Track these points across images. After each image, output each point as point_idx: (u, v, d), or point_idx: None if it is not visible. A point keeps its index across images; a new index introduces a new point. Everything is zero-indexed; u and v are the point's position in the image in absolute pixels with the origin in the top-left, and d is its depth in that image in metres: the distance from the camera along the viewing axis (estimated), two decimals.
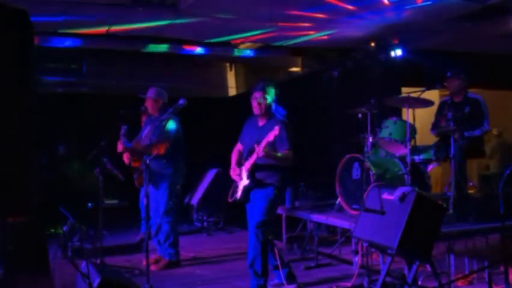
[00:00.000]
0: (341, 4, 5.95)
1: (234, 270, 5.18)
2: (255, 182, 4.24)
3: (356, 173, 5.18)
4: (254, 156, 4.14)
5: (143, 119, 6.03)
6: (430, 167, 5.40)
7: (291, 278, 4.46)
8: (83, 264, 3.74)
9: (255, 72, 10.04)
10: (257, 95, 4.28)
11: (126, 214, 7.56)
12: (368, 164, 4.94)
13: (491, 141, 8.59)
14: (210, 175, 8.05)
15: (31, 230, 4.51)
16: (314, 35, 7.29)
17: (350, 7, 6.03)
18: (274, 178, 4.25)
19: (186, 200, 8.03)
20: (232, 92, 10.52)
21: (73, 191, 7.11)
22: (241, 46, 8.30)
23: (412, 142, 5.08)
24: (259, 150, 3.95)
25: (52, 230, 6.32)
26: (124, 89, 8.86)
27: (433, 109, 5.48)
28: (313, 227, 5.58)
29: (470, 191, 5.64)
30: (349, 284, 4.44)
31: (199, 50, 8.19)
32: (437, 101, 5.61)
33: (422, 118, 5.53)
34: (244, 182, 4.29)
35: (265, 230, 4.16)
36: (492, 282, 3.93)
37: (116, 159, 5.60)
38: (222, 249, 6.36)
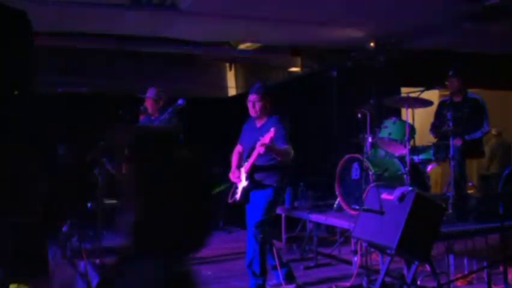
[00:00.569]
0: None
1: (233, 270, 5.18)
2: (253, 183, 4.25)
3: (355, 173, 5.18)
4: (253, 157, 4.15)
5: (141, 118, 6.02)
6: (429, 167, 5.40)
7: (290, 277, 4.46)
8: (82, 264, 3.74)
9: (255, 72, 10.03)
10: (252, 97, 4.29)
11: None
12: (367, 164, 4.94)
13: (490, 141, 8.59)
14: None
15: (31, 230, 4.52)
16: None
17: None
18: (273, 179, 4.25)
19: None
20: (231, 92, 10.52)
21: (72, 191, 7.10)
22: (241, 46, 8.31)
23: (411, 142, 5.07)
24: (259, 146, 3.95)
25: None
26: (124, 89, 8.86)
27: (432, 109, 5.48)
28: (313, 227, 5.58)
29: (470, 191, 5.64)
30: (348, 284, 4.45)
31: (199, 50, 8.19)
32: (436, 101, 5.61)
33: (421, 118, 5.53)
34: (243, 183, 4.29)
35: (264, 230, 4.17)
36: (491, 282, 3.93)
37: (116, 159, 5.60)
38: (222, 249, 6.35)
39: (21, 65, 2.07)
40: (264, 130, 4.11)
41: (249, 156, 4.24)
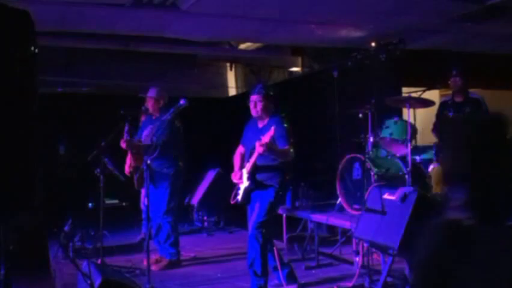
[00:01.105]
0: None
1: (235, 270, 5.17)
2: (255, 184, 4.24)
3: (356, 173, 5.18)
4: (254, 157, 4.15)
5: (142, 118, 6.02)
6: (431, 167, 5.40)
7: (291, 278, 4.46)
8: (84, 264, 3.73)
9: (255, 72, 10.04)
10: (254, 97, 4.29)
11: (127, 214, 7.54)
12: (368, 164, 4.94)
13: None
14: (210, 175, 8.04)
15: (31, 230, 4.52)
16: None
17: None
18: (275, 180, 4.25)
19: (186, 200, 8.02)
20: (232, 92, 10.52)
21: (73, 191, 7.10)
22: (241, 46, 8.31)
23: (413, 142, 5.08)
24: (259, 146, 3.94)
25: None
26: (124, 89, 8.86)
27: (434, 109, 5.48)
28: (314, 227, 5.57)
29: None
30: (350, 284, 4.44)
31: (199, 50, 8.18)
32: (437, 101, 5.61)
33: (422, 118, 5.54)
34: (245, 183, 4.29)
35: (265, 230, 4.16)
36: None
37: (116, 159, 5.60)
38: (223, 249, 6.34)
39: (23, 65, 2.06)
40: (265, 131, 4.10)
41: (250, 156, 4.25)
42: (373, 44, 7.30)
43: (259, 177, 4.25)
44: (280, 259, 4.42)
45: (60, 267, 5.15)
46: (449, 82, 5.43)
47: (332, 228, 6.27)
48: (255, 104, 4.28)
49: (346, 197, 5.23)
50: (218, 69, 10.26)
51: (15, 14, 1.91)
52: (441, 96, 7.45)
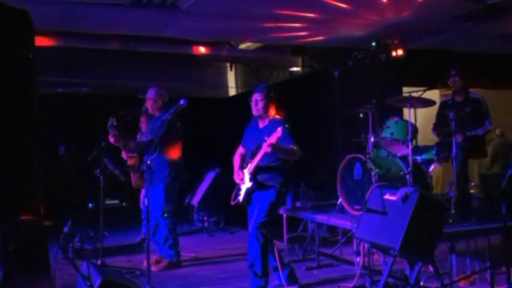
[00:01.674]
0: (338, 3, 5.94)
1: (235, 271, 5.16)
2: (257, 184, 4.23)
3: (357, 173, 5.16)
4: (258, 158, 4.14)
5: (142, 119, 6.02)
6: (432, 167, 5.39)
7: (292, 278, 4.45)
8: (83, 265, 3.72)
9: (255, 72, 10.03)
10: (255, 96, 4.29)
11: (127, 214, 7.54)
12: (369, 164, 4.93)
13: (494, 141, 8.58)
14: (210, 175, 8.04)
15: (31, 230, 4.51)
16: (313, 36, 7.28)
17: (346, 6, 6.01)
18: (277, 180, 4.24)
19: (187, 201, 8.02)
20: (232, 92, 10.51)
21: (73, 191, 7.09)
22: (242, 46, 8.29)
23: (414, 142, 5.06)
24: (266, 146, 3.94)
25: None
26: (124, 89, 8.85)
27: (434, 109, 5.47)
28: (315, 228, 5.56)
29: (472, 191, 5.63)
30: (351, 285, 4.42)
31: (199, 50, 8.17)
32: (438, 101, 5.60)
33: (423, 118, 5.53)
34: (247, 184, 4.28)
35: (265, 231, 4.16)
36: (494, 282, 3.92)
37: (116, 159, 5.59)
38: (223, 249, 6.34)
39: (22, 65, 2.05)
40: (267, 131, 4.10)
41: (252, 157, 4.23)
42: (373, 44, 7.31)
43: (260, 177, 4.24)
44: (281, 260, 4.41)
45: (60, 267, 5.14)
46: (449, 82, 5.41)
47: (332, 229, 6.26)
48: (256, 103, 4.28)
49: (347, 197, 5.22)
50: (218, 69, 10.25)
51: (14, 14, 1.90)
52: (442, 96, 7.44)
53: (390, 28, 6.85)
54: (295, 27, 6.91)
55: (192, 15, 6.27)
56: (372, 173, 4.90)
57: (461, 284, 4.38)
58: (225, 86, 10.37)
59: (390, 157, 5.37)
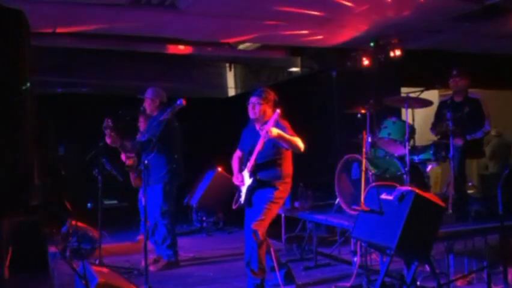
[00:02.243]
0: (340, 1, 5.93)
1: (233, 271, 5.17)
2: (257, 181, 4.24)
3: (355, 173, 5.17)
4: (256, 152, 4.14)
5: (141, 119, 6.03)
6: (429, 167, 5.39)
7: (289, 278, 4.45)
8: (81, 265, 3.73)
9: (255, 72, 10.03)
10: (253, 99, 4.29)
11: (125, 214, 7.56)
12: (367, 164, 4.93)
13: (492, 141, 8.58)
14: (209, 175, 8.04)
15: (31, 230, 4.53)
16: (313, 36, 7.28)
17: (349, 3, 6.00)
18: (276, 177, 4.25)
19: (185, 201, 8.03)
20: (231, 92, 10.51)
21: (72, 192, 7.11)
22: (241, 46, 8.29)
23: (411, 142, 5.07)
24: (264, 133, 3.88)
25: None
26: (124, 89, 8.86)
27: (432, 109, 5.47)
28: (313, 227, 5.57)
29: (470, 191, 5.64)
30: (348, 284, 4.44)
31: (198, 50, 8.18)
32: (436, 101, 5.61)
33: (421, 118, 5.53)
34: (247, 182, 4.28)
35: (262, 229, 4.16)
36: (491, 282, 3.92)
37: (115, 159, 5.61)
38: (221, 249, 6.35)
39: (18, 66, 2.06)
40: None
41: (250, 155, 4.24)
42: (372, 44, 7.31)
43: (260, 175, 4.24)
44: (278, 259, 4.41)
45: (59, 267, 5.15)
46: (449, 82, 5.41)
47: (331, 229, 6.27)
48: (253, 106, 4.28)
49: (344, 197, 5.22)
50: (217, 70, 10.25)
51: (8, 14, 1.91)
52: (441, 96, 7.44)
53: (389, 28, 6.85)
54: (295, 27, 6.92)
55: (190, 14, 6.28)
56: (370, 173, 4.90)
57: (458, 283, 4.38)
58: (224, 86, 10.37)
59: (387, 157, 5.38)
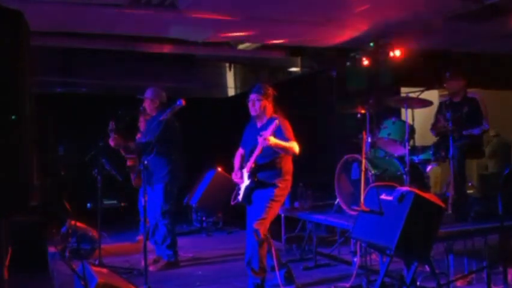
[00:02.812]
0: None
1: (233, 271, 5.17)
2: (255, 182, 4.24)
3: (355, 173, 5.17)
4: (255, 154, 4.15)
5: (141, 119, 6.02)
6: (429, 167, 5.39)
7: (289, 278, 4.45)
8: (80, 266, 3.73)
9: (255, 72, 10.03)
10: (252, 96, 4.30)
11: (125, 214, 7.55)
12: (366, 164, 4.93)
13: (492, 141, 8.57)
14: (209, 175, 8.03)
15: (31, 230, 4.53)
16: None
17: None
18: (276, 178, 4.25)
19: (185, 201, 8.02)
20: (231, 92, 10.52)
21: (72, 192, 7.11)
22: (241, 46, 8.29)
23: (411, 142, 5.07)
24: (262, 140, 3.94)
25: None
26: (123, 89, 8.85)
27: (432, 109, 5.47)
28: (312, 227, 5.57)
29: (469, 191, 5.63)
30: (348, 285, 4.43)
31: (198, 50, 8.18)
32: (436, 101, 5.61)
33: (420, 118, 5.52)
34: (246, 182, 4.29)
35: (263, 228, 4.17)
36: (491, 282, 3.92)
37: (114, 159, 5.60)
38: (221, 249, 6.35)
39: (16, 66, 2.06)
40: (264, 129, 4.12)
41: (250, 155, 4.25)
42: (372, 44, 7.31)
43: (259, 175, 4.25)
44: (279, 259, 4.42)
45: (58, 267, 5.14)
46: (445, 86, 5.42)
47: (331, 229, 6.27)
48: (254, 103, 4.30)
49: (344, 197, 5.22)
50: (217, 69, 10.25)
51: (7, 14, 1.91)
52: (441, 96, 7.44)
53: (388, 28, 6.85)
54: (295, 27, 6.91)
55: (190, 14, 6.28)
56: (369, 173, 4.90)
57: (458, 283, 4.38)
58: (224, 86, 10.38)
59: (387, 157, 5.38)
